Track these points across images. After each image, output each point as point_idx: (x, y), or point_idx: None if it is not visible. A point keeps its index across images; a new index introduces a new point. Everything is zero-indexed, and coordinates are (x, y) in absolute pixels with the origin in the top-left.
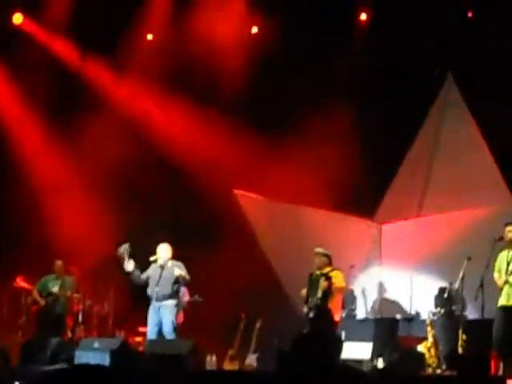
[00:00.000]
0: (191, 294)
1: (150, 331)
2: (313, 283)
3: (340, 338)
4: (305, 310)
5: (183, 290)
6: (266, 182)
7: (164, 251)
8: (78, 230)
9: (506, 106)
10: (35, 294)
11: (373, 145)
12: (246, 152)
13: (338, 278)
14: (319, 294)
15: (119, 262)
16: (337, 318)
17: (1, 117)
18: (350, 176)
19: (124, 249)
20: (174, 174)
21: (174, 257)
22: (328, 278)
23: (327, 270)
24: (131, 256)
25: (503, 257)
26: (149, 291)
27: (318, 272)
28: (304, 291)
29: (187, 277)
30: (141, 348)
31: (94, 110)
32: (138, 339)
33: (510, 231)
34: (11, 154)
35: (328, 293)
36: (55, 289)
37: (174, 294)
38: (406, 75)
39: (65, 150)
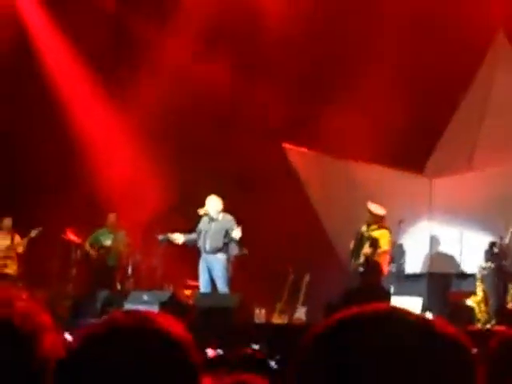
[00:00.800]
0: (240, 248)
1: (203, 284)
2: (359, 242)
3: (389, 291)
4: (351, 266)
5: (232, 244)
6: (316, 136)
7: (213, 204)
8: (128, 183)
9: None
10: (87, 247)
11: (423, 97)
12: (296, 106)
13: (383, 240)
14: (361, 259)
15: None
16: (384, 273)
17: (49, 68)
18: (400, 130)
19: (163, 237)
20: (225, 128)
21: (224, 209)
22: (373, 243)
23: (374, 227)
24: (174, 231)
25: None
26: (199, 244)
27: (364, 229)
28: (351, 245)
29: (238, 235)
30: (190, 301)
31: (143, 62)
32: (188, 292)
33: None
34: (61, 106)
35: (371, 257)
36: (108, 242)
37: (225, 247)
38: (457, 28)
39: (115, 102)
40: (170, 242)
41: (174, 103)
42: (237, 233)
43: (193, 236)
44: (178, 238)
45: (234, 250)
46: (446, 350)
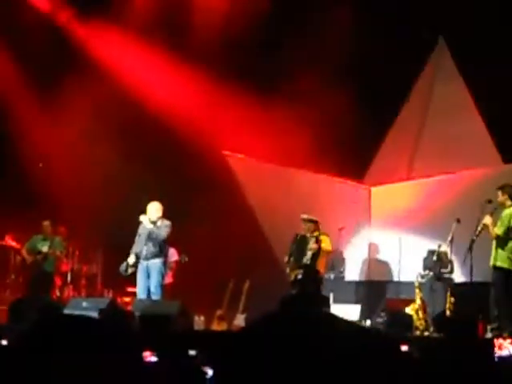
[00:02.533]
0: (179, 254)
1: (140, 290)
2: (298, 244)
3: (328, 299)
4: (287, 269)
5: (172, 250)
6: (256, 144)
7: (154, 210)
8: (67, 188)
9: (497, 69)
10: (24, 253)
11: (363, 107)
12: (236, 114)
13: (325, 242)
14: (308, 254)
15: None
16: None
17: None
18: (340, 138)
19: (123, 270)
20: (166, 135)
21: (164, 216)
22: (318, 240)
23: (315, 234)
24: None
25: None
26: (137, 250)
27: (304, 233)
28: (286, 257)
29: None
30: (129, 308)
31: (85, 71)
32: (127, 299)
33: (498, 195)
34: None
35: (317, 254)
36: (44, 248)
37: (161, 253)
38: (396, 38)
39: (58, 113)
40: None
41: (117, 109)
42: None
43: (137, 247)
44: (130, 259)
45: (174, 256)
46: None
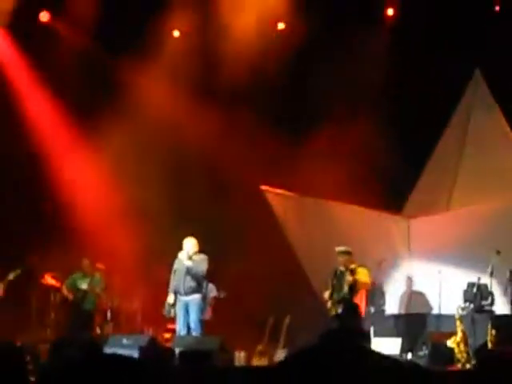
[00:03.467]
0: (218, 290)
1: (180, 327)
2: (338, 278)
3: (368, 333)
4: (328, 304)
5: (211, 286)
6: (294, 178)
7: (190, 245)
8: (106, 224)
9: None
10: (64, 290)
11: (402, 139)
12: (273, 149)
13: (362, 274)
14: (345, 288)
15: None
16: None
17: (28, 113)
18: (379, 171)
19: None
20: (204, 172)
21: (201, 251)
22: (353, 272)
23: (352, 266)
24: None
25: None
26: (175, 286)
27: (342, 268)
28: (327, 293)
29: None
30: (170, 344)
31: (122, 111)
32: (167, 335)
33: None
34: (39, 150)
35: (354, 287)
36: (84, 286)
37: (200, 288)
38: (434, 70)
39: (93, 150)
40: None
41: (153, 149)
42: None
43: (174, 284)
44: (170, 299)
45: (213, 291)
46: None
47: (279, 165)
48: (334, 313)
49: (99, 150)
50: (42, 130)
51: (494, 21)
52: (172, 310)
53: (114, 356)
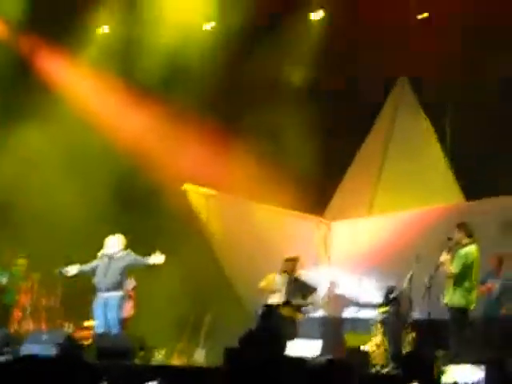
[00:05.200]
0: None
1: (99, 324)
2: (291, 284)
3: (283, 336)
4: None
5: (129, 280)
6: (218, 178)
7: (113, 242)
8: (27, 219)
9: (458, 106)
10: None
11: (324, 142)
12: (197, 150)
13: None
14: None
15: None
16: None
17: None
18: (302, 173)
19: (60, 272)
20: (126, 169)
21: (124, 249)
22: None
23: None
24: (69, 263)
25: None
26: (95, 282)
27: (296, 274)
28: (262, 284)
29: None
30: (89, 341)
31: (45, 108)
32: (86, 332)
33: (455, 233)
34: None
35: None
36: (3, 280)
37: (121, 285)
38: (359, 73)
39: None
40: (65, 275)
41: (76, 143)
42: (157, 258)
43: (86, 268)
44: (71, 269)
45: (131, 284)
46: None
47: (204, 165)
48: (294, 318)
49: (21, 150)
50: None
51: (417, 27)
52: (63, 270)
53: (31, 357)
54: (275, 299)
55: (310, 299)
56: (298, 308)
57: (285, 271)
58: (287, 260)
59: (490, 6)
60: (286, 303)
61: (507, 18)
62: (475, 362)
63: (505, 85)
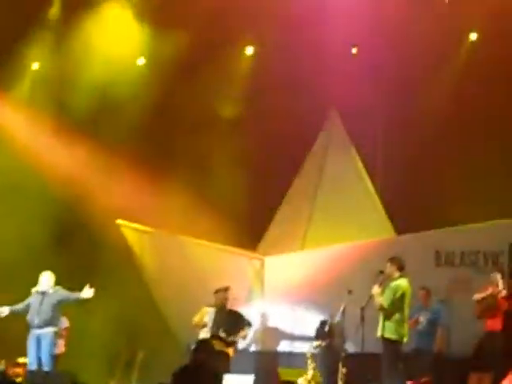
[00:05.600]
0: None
1: (31, 361)
2: (225, 318)
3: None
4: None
5: (62, 318)
6: (151, 214)
7: (45, 279)
8: None
9: (388, 142)
10: None
11: (257, 176)
12: (130, 184)
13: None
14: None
15: None
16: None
17: None
18: (235, 209)
19: None
20: (58, 205)
21: (56, 285)
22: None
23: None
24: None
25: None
26: (29, 318)
27: (233, 309)
28: (196, 318)
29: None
30: (21, 378)
31: None
32: (19, 370)
33: (386, 267)
34: None
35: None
36: None
37: (54, 322)
38: (291, 106)
39: None
40: None
41: (13, 181)
42: (87, 292)
43: (19, 306)
44: (3, 310)
45: (64, 323)
46: None
47: (136, 199)
48: (227, 353)
49: None
50: None
51: (349, 61)
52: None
53: None
54: (205, 333)
55: (242, 333)
56: (232, 342)
57: (213, 305)
58: (217, 291)
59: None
60: (216, 337)
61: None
62: None
63: (438, 116)
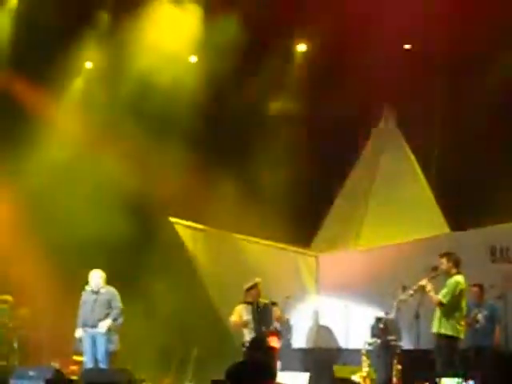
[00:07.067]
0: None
1: (87, 359)
2: (262, 312)
3: (271, 367)
4: (247, 338)
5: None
6: (205, 211)
7: (97, 277)
8: (11, 255)
9: (443, 138)
10: None
11: (312, 175)
12: (182, 182)
13: (279, 308)
14: (275, 322)
15: None
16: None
17: None
18: (289, 206)
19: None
20: (112, 201)
21: (109, 283)
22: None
23: (271, 300)
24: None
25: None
26: (83, 317)
27: (264, 301)
28: (234, 318)
29: (118, 307)
30: (76, 377)
31: (33, 143)
32: (74, 368)
33: (441, 263)
34: None
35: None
36: None
37: (107, 320)
38: (343, 108)
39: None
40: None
41: (67, 182)
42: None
43: (80, 314)
44: (78, 332)
45: (121, 320)
46: None
47: (190, 198)
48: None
49: (6, 179)
50: None
51: (404, 59)
52: (81, 344)
53: None
54: (250, 331)
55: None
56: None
57: (249, 302)
58: (249, 288)
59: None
60: (273, 333)
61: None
62: None
63: (492, 112)
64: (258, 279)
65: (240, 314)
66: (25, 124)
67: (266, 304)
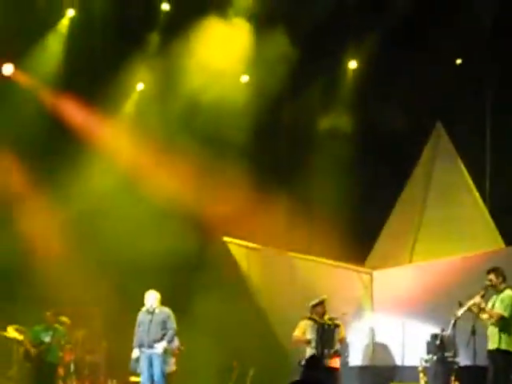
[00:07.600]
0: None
1: (143, 380)
2: (327, 332)
3: None
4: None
5: (174, 337)
6: (258, 230)
7: (152, 298)
8: (68, 277)
9: (495, 153)
10: (27, 344)
11: (364, 192)
12: (238, 201)
13: (343, 327)
14: (338, 344)
15: None
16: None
17: None
18: (342, 223)
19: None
20: (165, 222)
21: (162, 303)
22: (338, 326)
23: (336, 321)
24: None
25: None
26: (139, 338)
27: (328, 320)
28: (297, 333)
29: (172, 328)
30: None
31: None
32: None
33: (490, 279)
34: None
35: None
36: (47, 338)
37: (163, 340)
38: (394, 126)
39: (51, 202)
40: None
41: (119, 200)
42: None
43: (136, 334)
44: (135, 352)
45: (176, 341)
46: None
47: (243, 217)
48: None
49: (61, 201)
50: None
51: (454, 73)
52: (137, 365)
53: None
54: (312, 349)
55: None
56: (337, 353)
57: (314, 319)
58: (315, 305)
59: None
60: (333, 353)
61: None
62: None
63: None
64: (324, 296)
65: (304, 330)
66: (80, 147)
67: (330, 325)
